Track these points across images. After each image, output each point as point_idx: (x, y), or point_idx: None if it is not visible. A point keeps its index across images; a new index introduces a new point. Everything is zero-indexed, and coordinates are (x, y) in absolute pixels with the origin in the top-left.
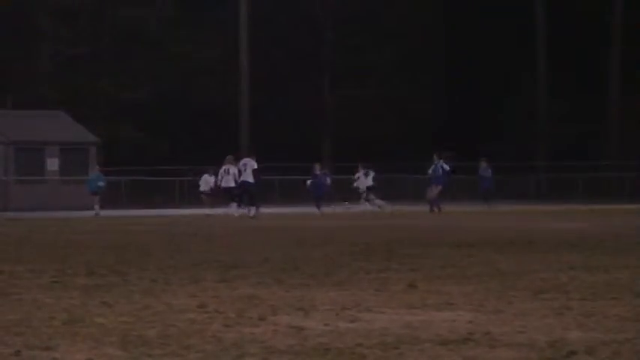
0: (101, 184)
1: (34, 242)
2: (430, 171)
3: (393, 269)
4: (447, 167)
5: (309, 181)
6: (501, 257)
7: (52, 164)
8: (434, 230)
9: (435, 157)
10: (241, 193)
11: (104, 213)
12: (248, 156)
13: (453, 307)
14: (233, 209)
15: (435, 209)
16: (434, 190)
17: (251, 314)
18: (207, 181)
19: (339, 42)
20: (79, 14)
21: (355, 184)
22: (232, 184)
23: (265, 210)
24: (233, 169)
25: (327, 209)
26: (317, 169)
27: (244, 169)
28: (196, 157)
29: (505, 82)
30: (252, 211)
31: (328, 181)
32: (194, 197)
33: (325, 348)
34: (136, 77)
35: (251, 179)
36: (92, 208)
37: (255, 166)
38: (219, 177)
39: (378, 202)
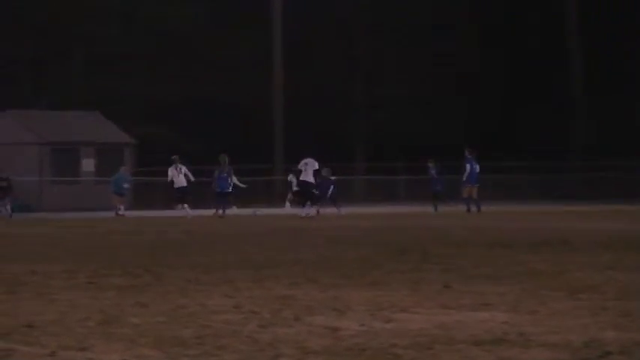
0: (126, 185)
1: (69, 243)
2: (468, 168)
3: (428, 269)
4: (476, 166)
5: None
6: (536, 257)
7: (88, 165)
8: (468, 230)
9: (466, 152)
10: (302, 193)
11: (139, 214)
12: (309, 156)
13: (488, 308)
14: (186, 210)
15: (474, 208)
16: (470, 190)
17: (286, 315)
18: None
19: (372, 41)
20: (112, 14)
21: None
22: (185, 184)
23: (299, 210)
24: (185, 169)
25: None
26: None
27: (305, 169)
28: (231, 156)
29: (538, 81)
30: (313, 210)
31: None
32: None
33: (360, 348)
34: (170, 77)
35: (311, 179)
36: (113, 209)
37: (317, 167)
38: (169, 177)
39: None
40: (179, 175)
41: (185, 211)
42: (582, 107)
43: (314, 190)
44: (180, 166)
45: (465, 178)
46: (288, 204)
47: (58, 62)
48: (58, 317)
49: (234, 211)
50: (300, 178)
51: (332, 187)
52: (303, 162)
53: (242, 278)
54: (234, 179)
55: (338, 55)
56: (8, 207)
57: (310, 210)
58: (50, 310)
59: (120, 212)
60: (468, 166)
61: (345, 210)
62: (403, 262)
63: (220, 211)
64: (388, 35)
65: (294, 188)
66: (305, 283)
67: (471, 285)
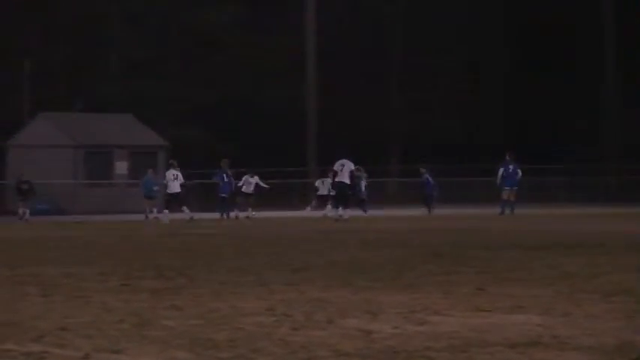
0: (156, 188)
1: (103, 245)
2: (501, 171)
3: (462, 272)
4: (517, 170)
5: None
6: (570, 260)
7: (121, 167)
8: (502, 233)
9: (507, 156)
10: (337, 194)
11: (172, 216)
12: (345, 157)
13: (522, 310)
14: (165, 215)
15: (508, 211)
16: (508, 193)
17: (319, 317)
18: (249, 183)
19: (407, 44)
20: (147, 17)
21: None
22: (178, 190)
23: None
24: (179, 174)
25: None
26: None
27: (340, 170)
28: (265, 158)
29: (573, 83)
30: (347, 213)
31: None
32: (263, 200)
33: (394, 351)
34: (204, 80)
35: (347, 180)
36: (143, 212)
37: (353, 168)
38: (166, 180)
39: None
40: (174, 181)
41: (164, 215)
42: (620, 109)
43: (349, 192)
44: (177, 171)
45: (498, 182)
46: (309, 208)
47: (92, 65)
48: (92, 320)
49: (250, 213)
50: (336, 179)
51: (364, 187)
52: (339, 163)
53: (276, 281)
54: (256, 180)
55: (371, 57)
56: (27, 211)
57: (345, 212)
58: (84, 312)
59: (153, 215)
60: (501, 170)
61: (379, 212)
62: (437, 265)
63: (225, 216)
64: (422, 37)
65: (319, 193)
66: (338, 285)
67: (505, 288)
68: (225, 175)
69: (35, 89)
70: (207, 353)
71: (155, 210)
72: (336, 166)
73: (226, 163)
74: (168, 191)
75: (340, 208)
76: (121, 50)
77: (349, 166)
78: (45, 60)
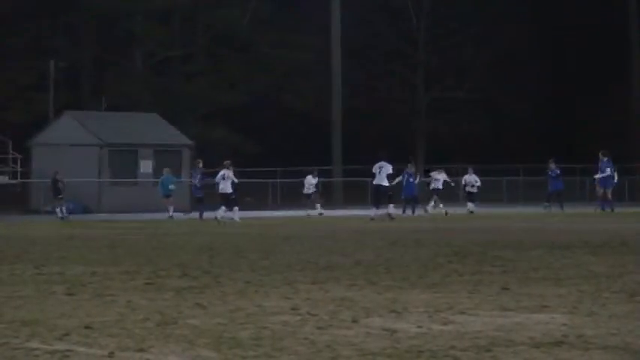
0: (172, 187)
1: (128, 244)
2: (606, 170)
3: (487, 271)
4: (613, 167)
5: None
6: (595, 259)
7: (146, 166)
8: (527, 232)
9: (600, 155)
10: (377, 197)
11: (196, 215)
12: (383, 159)
13: (547, 310)
14: (222, 213)
15: (608, 209)
16: (604, 191)
17: (344, 316)
18: (310, 183)
19: (432, 43)
20: (172, 16)
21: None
22: (229, 190)
23: (358, 212)
24: (229, 174)
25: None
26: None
27: (379, 172)
28: (289, 158)
29: (600, 83)
30: (392, 211)
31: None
32: (287, 199)
33: (418, 350)
34: (229, 79)
35: (385, 183)
36: (166, 211)
37: (391, 171)
38: (217, 182)
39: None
40: (225, 180)
41: (221, 213)
42: None
43: (390, 193)
44: (228, 172)
45: (598, 179)
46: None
47: (117, 64)
48: (117, 318)
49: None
50: (374, 182)
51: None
52: (377, 165)
53: (301, 280)
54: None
55: (397, 56)
56: (63, 208)
57: (377, 212)
58: (109, 311)
59: (169, 214)
60: (608, 169)
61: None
62: (462, 264)
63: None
64: (447, 36)
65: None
66: (364, 284)
67: (530, 287)
68: (199, 175)
69: (60, 88)
70: (231, 352)
71: (172, 208)
72: (374, 169)
73: (199, 163)
74: (221, 191)
75: (374, 208)
76: (146, 49)
77: (387, 168)
78: (70, 59)
